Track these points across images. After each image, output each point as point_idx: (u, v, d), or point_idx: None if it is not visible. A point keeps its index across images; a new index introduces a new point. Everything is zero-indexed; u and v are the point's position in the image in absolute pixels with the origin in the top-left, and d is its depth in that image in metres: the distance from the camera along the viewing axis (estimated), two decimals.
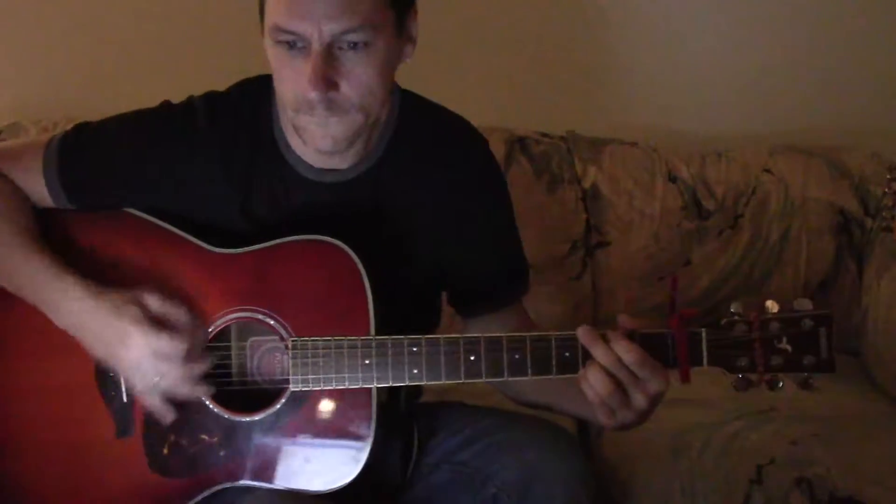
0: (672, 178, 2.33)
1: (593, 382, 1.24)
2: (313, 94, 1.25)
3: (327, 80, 1.24)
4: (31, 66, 2.43)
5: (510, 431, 1.41)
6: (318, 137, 1.30)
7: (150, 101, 1.46)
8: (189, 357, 1.30)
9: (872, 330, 2.19)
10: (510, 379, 1.30)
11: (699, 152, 2.37)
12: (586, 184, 2.32)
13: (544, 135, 2.35)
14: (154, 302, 1.31)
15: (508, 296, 1.52)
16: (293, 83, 1.28)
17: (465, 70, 2.46)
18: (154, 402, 1.32)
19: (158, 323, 1.29)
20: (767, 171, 2.33)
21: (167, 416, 1.33)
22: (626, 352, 1.23)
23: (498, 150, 2.29)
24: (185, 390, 1.32)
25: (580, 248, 2.30)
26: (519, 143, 2.32)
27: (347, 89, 1.27)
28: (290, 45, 1.26)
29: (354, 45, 1.25)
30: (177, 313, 1.31)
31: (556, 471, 1.35)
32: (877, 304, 2.19)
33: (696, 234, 2.31)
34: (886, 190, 2.28)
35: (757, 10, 2.47)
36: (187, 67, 2.30)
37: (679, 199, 2.31)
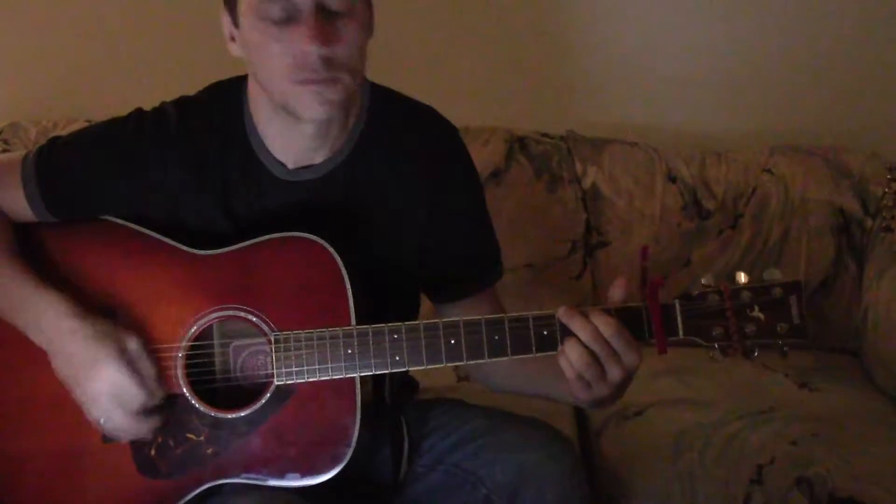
0: (672, 178, 2.33)
1: (571, 356, 1.27)
2: (313, 48, 1.26)
3: (324, 36, 1.26)
4: (31, 66, 2.43)
5: (503, 433, 1.42)
6: (314, 105, 1.30)
7: (149, 101, 1.46)
8: (140, 413, 1.31)
9: (872, 330, 2.19)
10: (487, 361, 1.32)
11: (699, 152, 2.37)
12: (586, 184, 2.32)
13: (544, 135, 2.36)
14: (134, 346, 1.31)
15: (481, 281, 1.53)
16: (285, 52, 1.28)
17: (465, 70, 2.46)
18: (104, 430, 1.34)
19: (130, 368, 1.31)
20: (767, 171, 2.32)
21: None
22: (604, 324, 1.27)
23: (498, 150, 2.30)
24: (123, 438, 1.34)
25: (580, 248, 2.30)
26: (519, 143, 2.32)
27: (340, 49, 1.28)
28: (275, 21, 1.27)
29: (339, 14, 1.28)
30: (149, 367, 1.32)
31: (547, 473, 1.36)
32: (877, 304, 2.19)
33: (696, 234, 2.31)
34: (886, 190, 2.28)
35: (757, 9, 2.47)
36: (186, 67, 2.30)
37: (679, 199, 2.31)
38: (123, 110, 1.46)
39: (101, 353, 1.30)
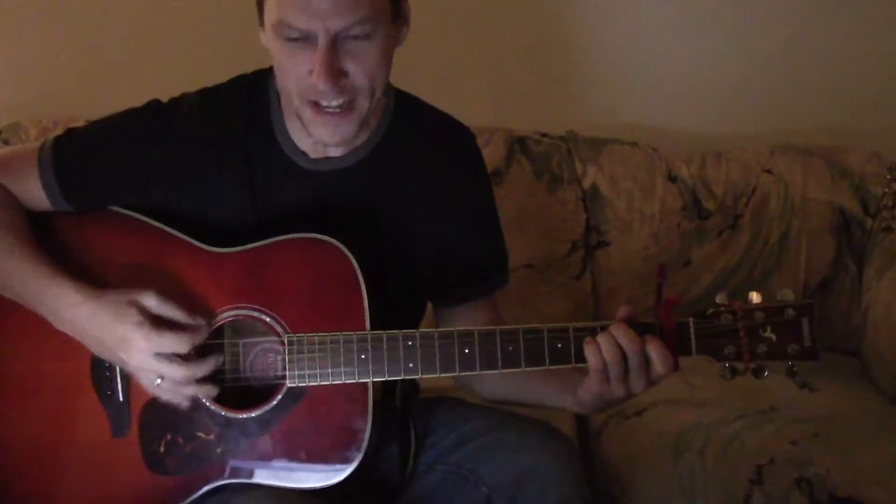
0: (672, 178, 2.33)
1: (603, 346, 1.29)
2: (323, 86, 1.28)
3: (336, 70, 1.28)
4: (31, 66, 2.43)
5: (504, 432, 1.42)
6: (326, 135, 1.34)
7: (150, 99, 1.46)
8: (191, 358, 1.31)
9: (872, 330, 2.19)
10: (482, 373, 1.33)
11: (699, 152, 2.37)
12: (586, 184, 2.32)
13: (544, 135, 2.36)
14: (152, 302, 1.31)
15: (485, 287, 1.55)
16: (297, 73, 1.30)
17: (466, 71, 2.46)
18: (165, 397, 1.34)
19: (159, 323, 1.30)
20: (767, 171, 2.33)
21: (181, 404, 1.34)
22: (657, 351, 1.29)
23: (498, 150, 2.30)
24: (189, 391, 1.32)
25: (580, 248, 2.30)
26: (519, 143, 2.32)
27: (356, 74, 1.30)
28: (294, 40, 1.28)
29: (357, 37, 1.29)
30: (176, 313, 1.31)
31: (548, 472, 1.36)
32: (877, 304, 2.19)
33: (696, 234, 2.31)
34: (886, 190, 2.28)
35: (757, 10, 2.47)
36: (187, 67, 2.30)
37: (679, 199, 2.31)
38: (124, 109, 1.46)
39: (123, 328, 1.29)
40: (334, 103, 1.31)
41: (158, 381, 1.31)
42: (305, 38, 1.28)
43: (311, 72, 1.28)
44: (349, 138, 1.36)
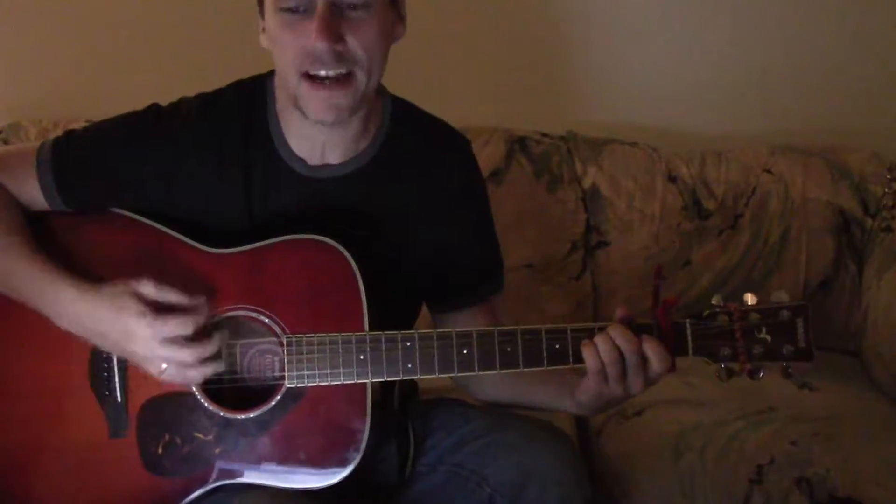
0: (672, 178, 2.33)
1: (601, 347, 1.30)
2: (321, 45, 1.28)
3: (334, 32, 1.29)
4: (31, 66, 2.43)
5: (505, 432, 1.42)
6: (321, 109, 1.33)
7: (150, 101, 1.46)
8: (195, 338, 1.30)
9: (872, 330, 2.19)
10: (480, 375, 1.34)
11: (699, 152, 2.37)
12: (586, 184, 2.32)
13: (544, 135, 2.36)
14: (150, 290, 1.30)
15: (481, 293, 1.55)
16: (297, 43, 1.31)
17: (466, 71, 2.46)
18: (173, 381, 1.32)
19: (160, 310, 1.29)
20: (767, 171, 2.33)
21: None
22: (654, 350, 1.30)
23: (498, 150, 2.30)
24: (195, 374, 1.31)
25: (580, 248, 2.30)
26: (519, 143, 2.32)
27: (353, 43, 1.31)
28: (293, 11, 1.30)
29: (355, 7, 1.30)
30: (175, 297, 1.30)
31: (550, 472, 1.36)
32: (877, 304, 2.19)
33: (696, 234, 2.31)
34: (886, 190, 2.28)
35: (757, 10, 2.47)
36: (187, 67, 2.30)
37: (679, 199, 2.31)
38: (123, 110, 1.46)
39: (125, 320, 1.29)
40: (332, 72, 1.31)
41: (164, 365, 1.30)
42: (305, 10, 1.29)
43: (310, 38, 1.29)
44: (344, 117, 1.35)
